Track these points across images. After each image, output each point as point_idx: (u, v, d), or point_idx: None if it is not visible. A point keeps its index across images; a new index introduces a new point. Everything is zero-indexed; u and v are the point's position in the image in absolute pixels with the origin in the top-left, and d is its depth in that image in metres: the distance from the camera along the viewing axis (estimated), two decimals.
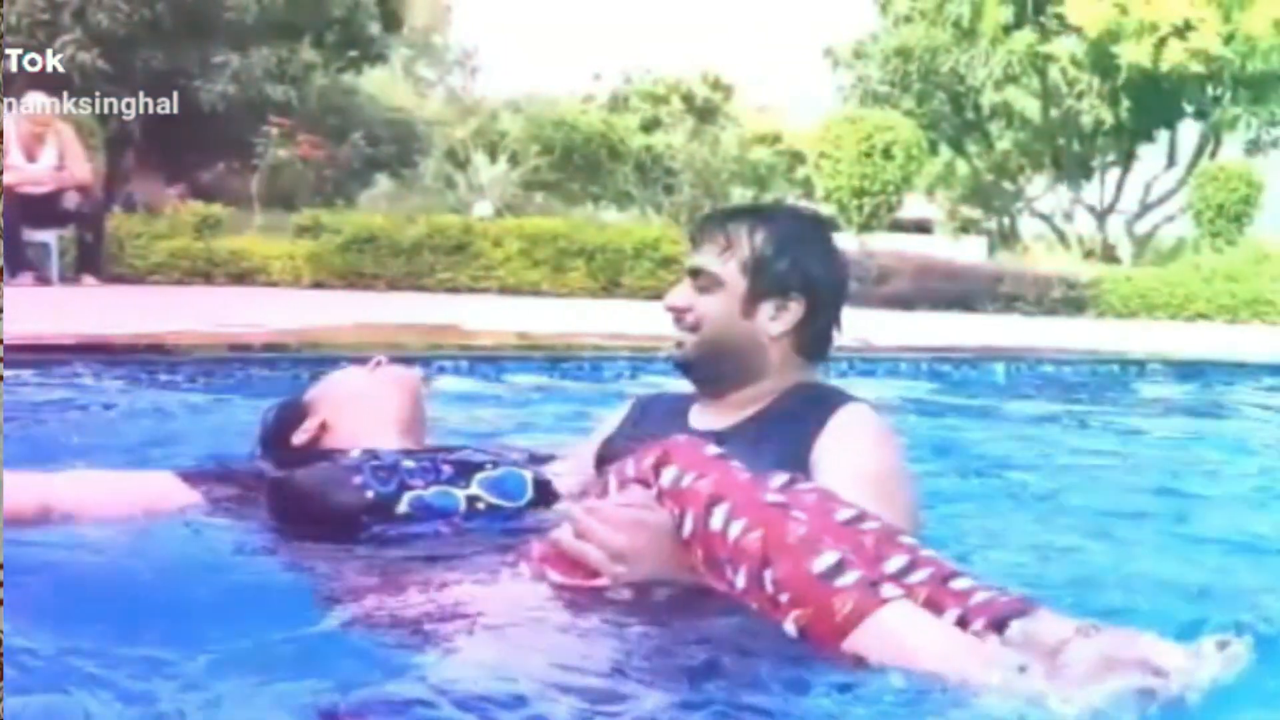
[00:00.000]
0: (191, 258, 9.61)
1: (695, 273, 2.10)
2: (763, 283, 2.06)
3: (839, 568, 1.45)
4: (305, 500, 1.92)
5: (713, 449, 1.66)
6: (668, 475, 1.60)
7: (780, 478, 1.63)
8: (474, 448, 2.15)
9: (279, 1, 13.38)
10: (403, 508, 1.90)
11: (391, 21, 16.51)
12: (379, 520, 1.88)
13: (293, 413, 2.27)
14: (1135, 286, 11.77)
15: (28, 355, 4.28)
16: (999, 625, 1.43)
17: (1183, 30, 14.49)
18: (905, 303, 10.79)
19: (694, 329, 2.09)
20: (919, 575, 1.49)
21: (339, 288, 9.81)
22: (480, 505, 1.95)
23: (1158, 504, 2.78)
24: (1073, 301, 11.46)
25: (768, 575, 1.47)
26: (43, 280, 8.19)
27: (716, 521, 1.53)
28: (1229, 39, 14.51)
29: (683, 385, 2.24)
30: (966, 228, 21.57)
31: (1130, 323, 10.95)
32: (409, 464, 1.96)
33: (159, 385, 4.27)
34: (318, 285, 9.81)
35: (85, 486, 2.00)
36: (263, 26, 13.45)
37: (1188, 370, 6.47)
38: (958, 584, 1.49)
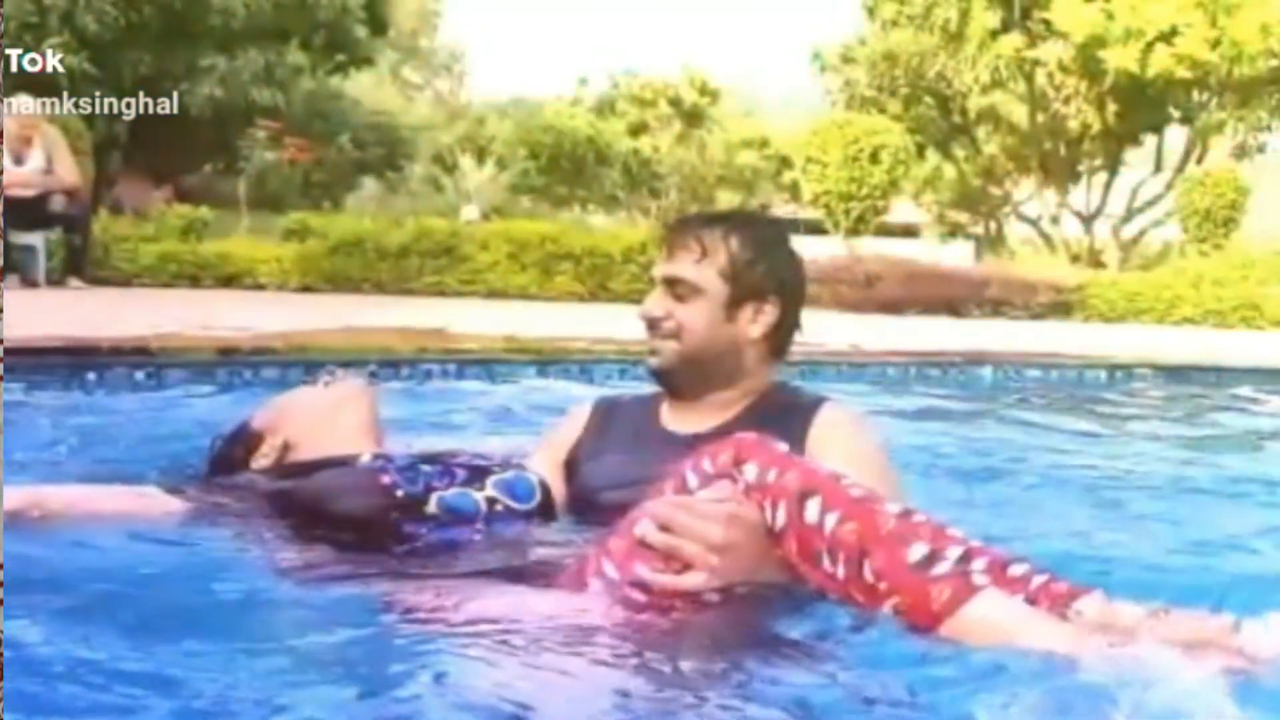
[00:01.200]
0: (179, 261, 9.58)
1: (672, 281, 2.13)
2: (743, 287, 2.11)
3: (932, 558, 1.54)
4: (333, 502, 1.91)
5: (782, 445, 1.70)
6: (750, 471, 1.64)
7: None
8: (470, 452, 2.15)
9: (266, 5, 13.35)
10: (431, 508, 1.92)
11: (378, 25, 16.47)
12: (409, 520, 1.90)
13: (246, 439, 2.24)
14: (1122, 291, 11.81)
15: (13, 358, 4.25)
16: (1061, 608, 1.52)
17: (1169, 35, 14.52)
18: (893, 307, 10.81)
19: (673, 336, 2.12)
20: (979, 563, 1.56)
21: (326, 291, 9.78)
22: (498, 507, 1.97)
23: (1149, 506, 2.79)
24: (1060, 306, 11.48)
25: (866, 565, 1.55)
26: (30, 283, 8.16)
27: (811, 514, 1.59)
28: (1215, 44, 14.56)
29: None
30: (954, 232, 21.62)
31: (1117, 327, 10.98)
32: (425, 467, 1.97)
33: (146, 388, 4.26)
34: (305, 288, 9.78)
35: (70, 499, 1.98)
36: (250, 30, 13.40)
37: (1174, 375, 6.49)
38: (1014, 570, 1.57)
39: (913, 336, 8.22)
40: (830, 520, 1.58)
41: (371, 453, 2.08)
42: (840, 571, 1.56)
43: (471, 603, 1.62)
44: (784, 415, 2.09)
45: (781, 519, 1.61)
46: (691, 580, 1.59)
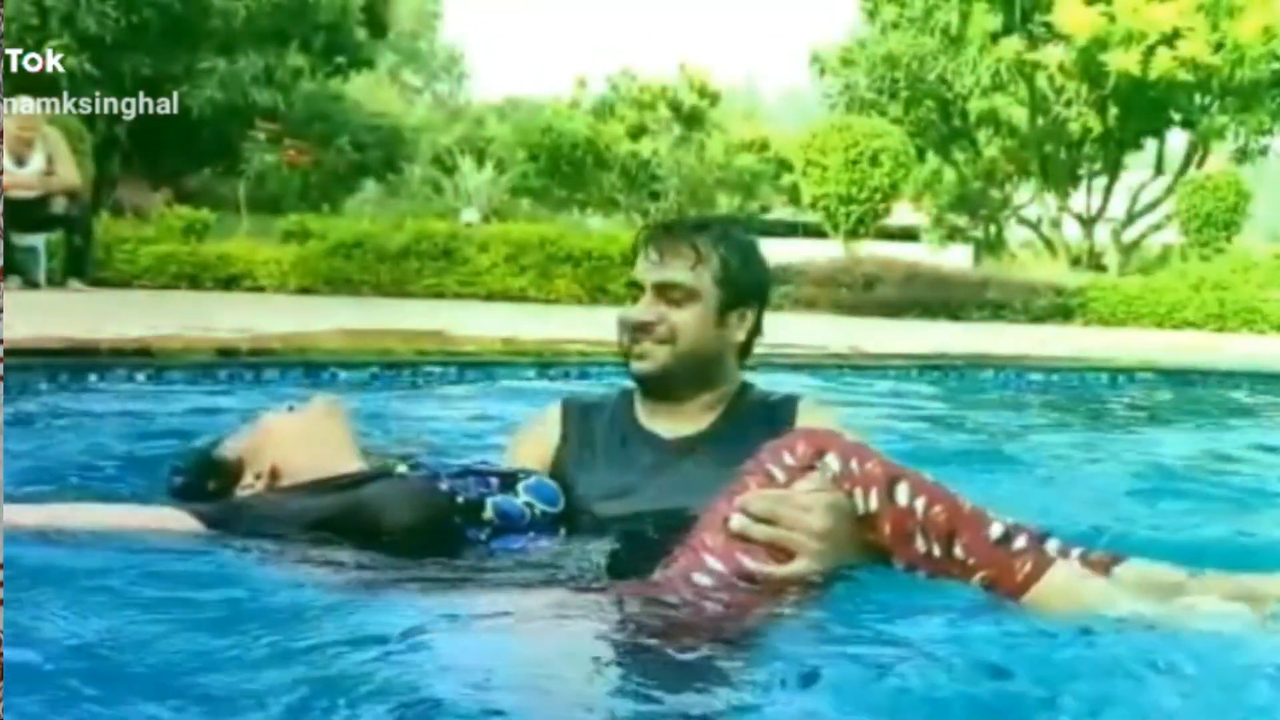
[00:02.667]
0: (178, 262, 9.58)
1: (667, 286, 2.13)
2: (734, 292, 2.16)
3: (1009, 535, 1.72)
4: (396, 512, 1.91)
5: (848, 436, 1.84)
6: (834, 461, 1.74)
7: None
8: (483, 460, 2.16)
9: (266, 7, 13.34)
10: (487, 513, 1.95)
11: (378, 27, 16.47)
12: (469, 525, 1.93)
13: (221, 470, 2.17)
14: (1122, 294, 11.80)
15: (14, 359, 4.25)
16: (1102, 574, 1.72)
17: (1171, 38, 14.52)
18: (892, 310, 10.81)
19: (667, 341, 2.14)
20: (1021, 539, 1.73)
21: (325, 293, 9.77)
22: (536, 511, 2.00)
23: (1151, 510, 2.78)
24: (1060, 309, 11.48)
25: (956, 544, 1.70)
26: (31, 284, 8.16)
27: (902, 498, 1.72)
28: (1218, 47, 14.55)
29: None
30: (953, 235, 21.60)
31: (1118, 331, 10.97)
32: (468, 475, 2.00)
33: (145, 389, 4.25)
34: (304, 290, 9.77)
35: (92, 519, 1.92)
36: (250, 32, 13.40)
37: (1175, 378, 6.48)
38: (1050, 545, 1.76)
39: (913, 339, 8.21)
40: (919, 503, 1.71)
41: (408, 462, 2.07)
42: (936, 550, 1.70)
43: (554, 607, 1.66)
44: (767, 412, 2.18)
45: (874, 504, 1.72)
46: (797, 568, 1.69)
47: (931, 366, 6.32)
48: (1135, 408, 5.67)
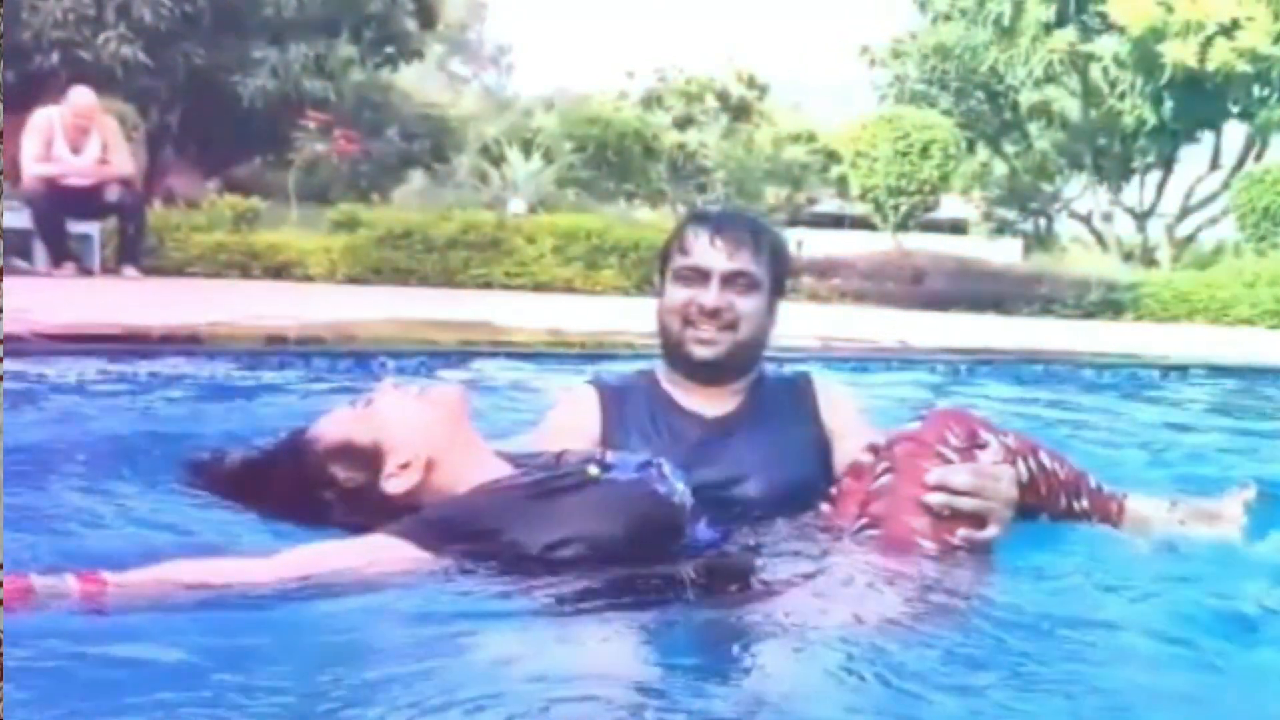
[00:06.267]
0: (229, 251, 9.66)
1: (736, 275, 2.21)
2: (778, 282, 2.29)
3: (1098, 483, 2.15)
4: (630, 519, 1.85)
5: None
6: (991, 438, 1.96)
7: None
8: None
9: None
10: (688, 510, 1.95)
11: (427, 18, 16.52)
12: (686, 524, 1.92)
13: (361, 459, 1.95)
14: (1176, 290, 11.61)
15: (69, 344, 4.32)
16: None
17: (1230, 29, 14.24)
18: (941, 303, 10.71)
19: (731, 328, 2.21)
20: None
21: (374, 282, 9.83)
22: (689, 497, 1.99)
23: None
24: (1112, 304, 11.32)
25: (1083, 495, 2.11)
26: (85, 271, 8.28)
27: (1048, 463, 2.06)
28: (1278, 38, 14.26)
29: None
30: (1003, 228, 21.36)
31: (1171, 327, 10.80)
32: (649, 469, 1.97)
33: (195, 376, 4.29)
34: (353, 280, 9.83)
35: (317, 558, 1.75)
36: (301, 22, 13.50)
37: (1230, 376, 6.37)
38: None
39: (961, 333, 8.13)
40: (1057, 466, 2.06)
41: (595, 463, 1.95)
42: (1075, 504, 2.08)
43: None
44: (786, 387, 2.34)
45: (1035, 470, 2.02)
46: (992, 533, 1.89)
47: (982, 361, 6.25)
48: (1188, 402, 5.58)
